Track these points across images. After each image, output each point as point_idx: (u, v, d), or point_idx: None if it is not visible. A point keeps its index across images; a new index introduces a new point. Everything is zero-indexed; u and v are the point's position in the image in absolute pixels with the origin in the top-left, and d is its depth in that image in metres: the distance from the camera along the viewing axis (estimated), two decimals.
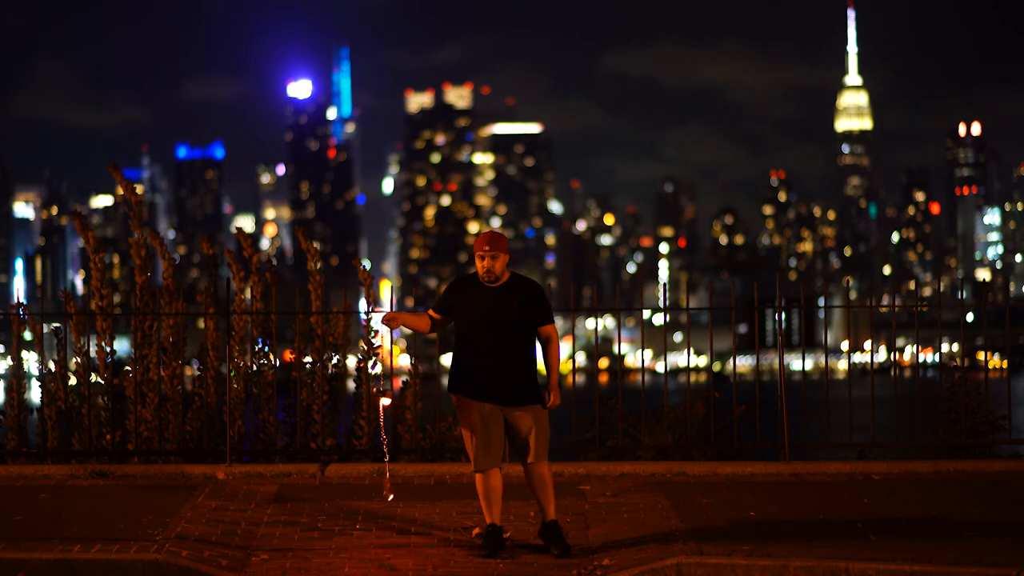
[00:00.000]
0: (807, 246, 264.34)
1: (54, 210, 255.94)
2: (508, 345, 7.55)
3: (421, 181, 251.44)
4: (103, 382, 10.86)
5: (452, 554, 7.65)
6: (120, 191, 11.30)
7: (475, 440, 7.57)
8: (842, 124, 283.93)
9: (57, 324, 10.97)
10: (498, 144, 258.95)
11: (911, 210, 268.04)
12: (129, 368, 10.83)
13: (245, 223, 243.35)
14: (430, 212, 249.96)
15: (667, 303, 10.82)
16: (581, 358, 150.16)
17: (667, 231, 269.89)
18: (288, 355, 11.15)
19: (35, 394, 10.98)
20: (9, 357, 10.93)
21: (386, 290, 12.84)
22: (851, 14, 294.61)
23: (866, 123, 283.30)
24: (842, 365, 70.70)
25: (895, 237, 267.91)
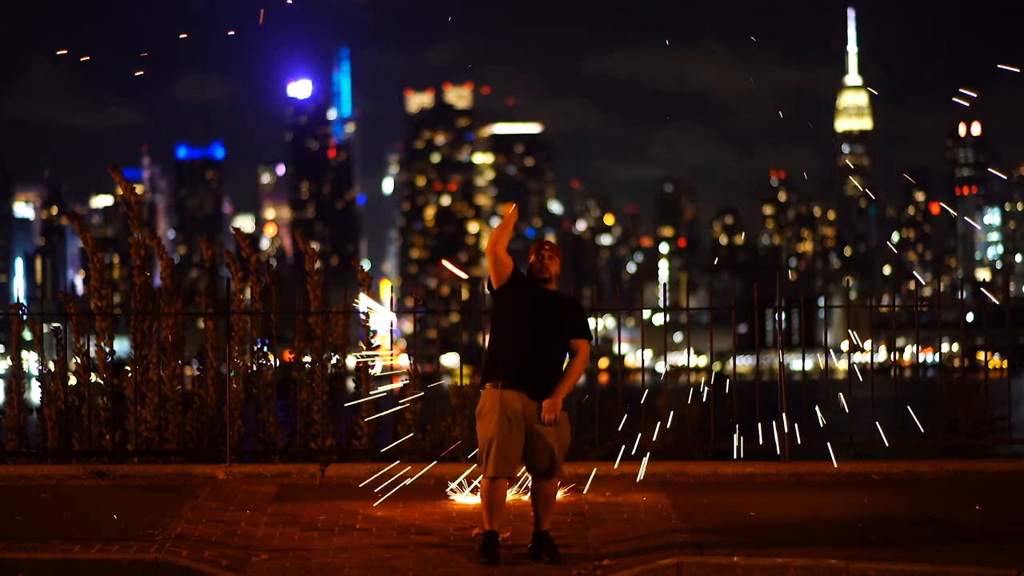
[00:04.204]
0: (807, 246, 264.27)
1: (54, 210, 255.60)
2: (542, 346, 7.54)
3: (421, 181, 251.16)
4: (103, 382, 10.86)
5: (452, 555, 7.65)
6: (120, 191, 11.31)
7: (495, 445, 7.43)
8: (842, 124, 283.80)
9: (57, 324, 10.98)
10: (498, 144, 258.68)
11: (911, 210, 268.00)
12: (129, 368, 10.84)
13: (245, 223, 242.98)
14: (430, 212, 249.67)
15: (667, 302, 10.81)
16: None
17: (667, 231, 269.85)
18: (288, 355, 11.15)
19: (35, 394, 10.98)
20: (9, 357, 10.93)
21: (386, 290, 12.84)
22: (851, 14, 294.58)
23: (866, 123, 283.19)
24: (842, 365, 70.57)
25: (895, 237, 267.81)
